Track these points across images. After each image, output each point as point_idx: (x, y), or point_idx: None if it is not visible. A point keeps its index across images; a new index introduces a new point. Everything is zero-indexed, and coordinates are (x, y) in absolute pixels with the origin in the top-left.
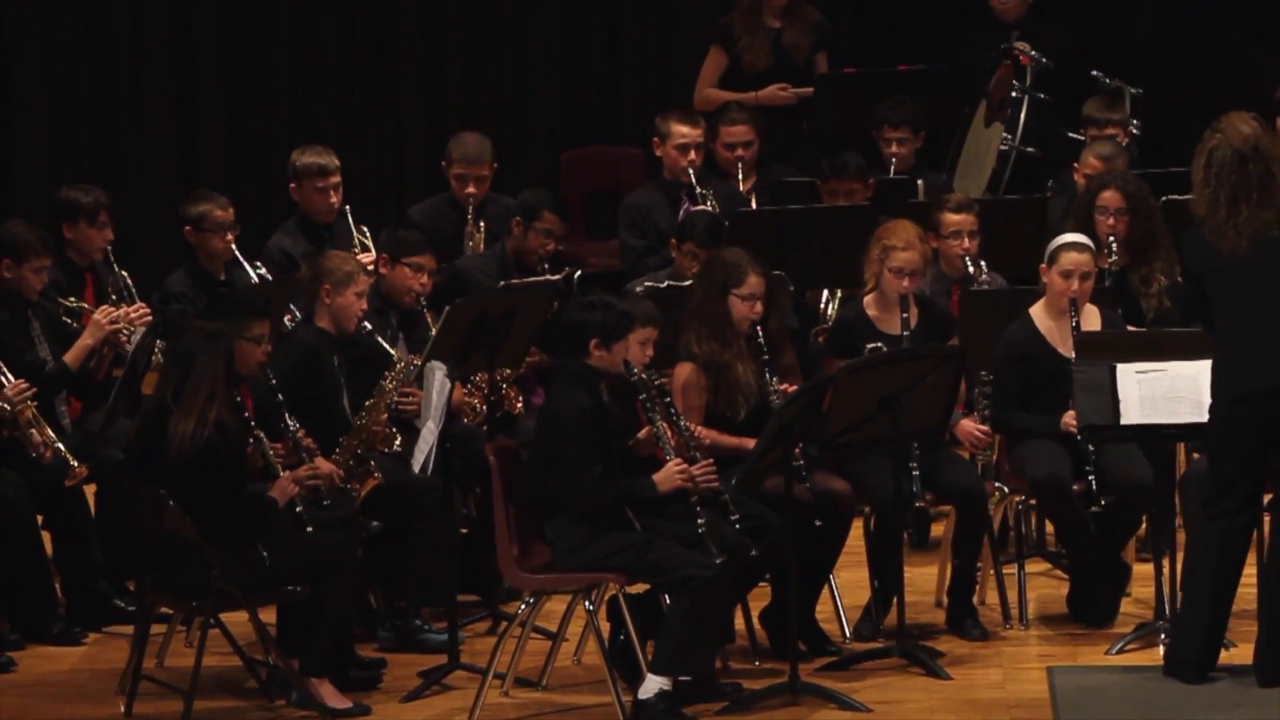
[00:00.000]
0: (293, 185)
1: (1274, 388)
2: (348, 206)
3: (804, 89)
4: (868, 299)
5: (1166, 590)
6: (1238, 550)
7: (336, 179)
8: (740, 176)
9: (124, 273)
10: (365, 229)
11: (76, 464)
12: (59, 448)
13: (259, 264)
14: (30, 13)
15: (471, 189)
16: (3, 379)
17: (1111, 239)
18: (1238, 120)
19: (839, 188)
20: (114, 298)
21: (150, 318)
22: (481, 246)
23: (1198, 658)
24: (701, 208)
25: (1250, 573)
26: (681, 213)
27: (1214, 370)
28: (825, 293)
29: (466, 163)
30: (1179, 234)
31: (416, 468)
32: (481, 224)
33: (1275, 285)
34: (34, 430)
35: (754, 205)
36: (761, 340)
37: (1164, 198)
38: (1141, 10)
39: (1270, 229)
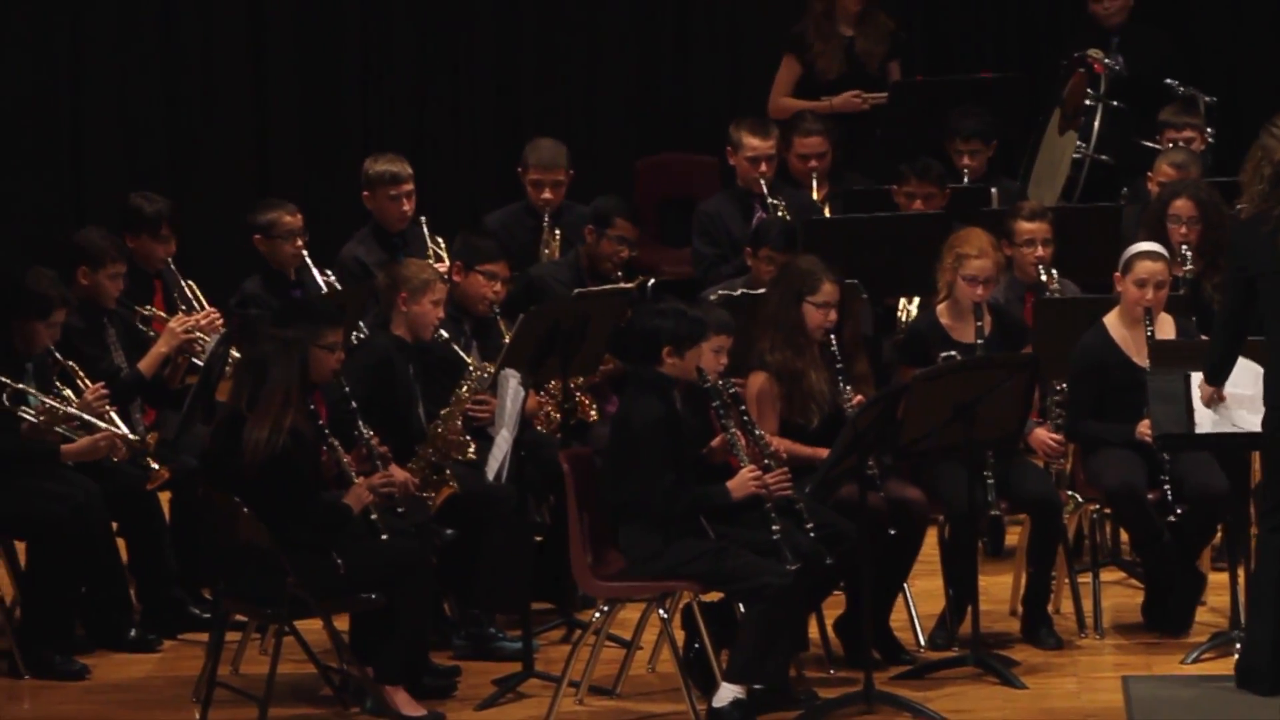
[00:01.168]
0: (365, 193)
1: None
2: (423, 218)
3: (878, 95)
4: (941, 307)
5: (1242, 599)
6: None
7: (409, 186)
8: (814, 186)
9: (190, 282)
10: (440, 240)
11: (157, 466)
12: (129, 439)
13: (328, 272)
14: (104, 21)
15: (547, 195)
16: (81, 385)
17: (1185, 247)
18: None
19: (918, 190)
20: (182, 307)
21: (222, 323)
22: (557, 254)
23: (1268, 668)
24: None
25: None
26: (755, 221)
27: (1267, 378)
28: (901, 300)
29: (542, 168)
30: None
31: (491, 475)
32: (557, 231)
33: None
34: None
35: (827, 214)
36: (835, 348)
37: (1238, 205)
38: (1216, 18)
39: None
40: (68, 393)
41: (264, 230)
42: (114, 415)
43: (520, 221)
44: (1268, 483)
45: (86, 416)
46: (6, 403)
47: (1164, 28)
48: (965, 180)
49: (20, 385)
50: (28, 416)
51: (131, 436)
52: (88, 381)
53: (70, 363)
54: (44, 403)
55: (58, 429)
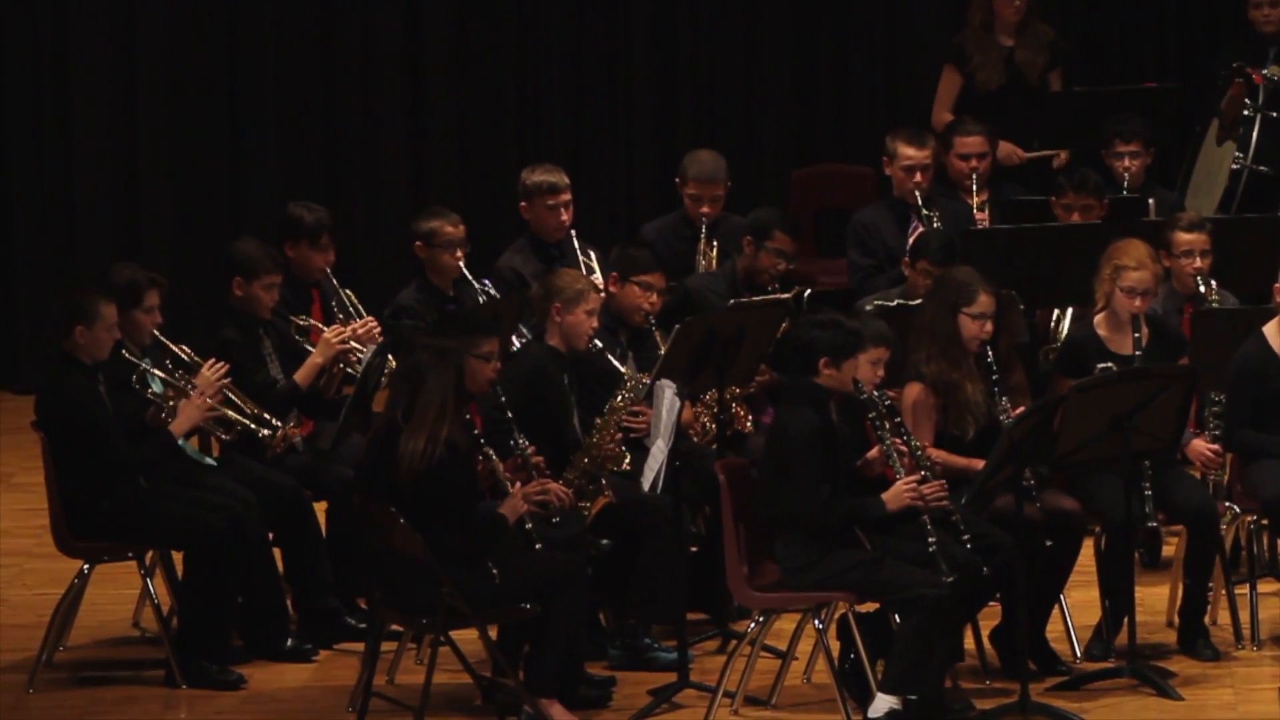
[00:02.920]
0: (523, 204)
1: None
2: (573, 230)
3: (1034, 154)
4: (1098, 318)
5: None
6: None
7: (567, 197)
8: (974, 189)
9: (348, 291)
10: (592, 253)
11: (277, 423)
12: (258, 414)
13: (486, 281)
14: (261, 31)
15: (705, 209)
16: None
17: None
18: None
19: (1076, 202)
20: (340, 316)
21: (378, 331)
22: (714, 265)
23: None
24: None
25: None
26: (911, 231)
27: None
28: (1055, 311)
29: (701, 182)
30: None
31: (646, 486)
32: (714, 242)
33: None
34: (227, 411)
35: (985, 220)
36: (991, 360)
37: None
38: None
39: None
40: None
41: (425, 238)
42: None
43: (677, 232)
44: None
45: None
46: (136, 385)
47: None
48: (1125, 187)
49: (144, 365)
50: (155, 397)
51: (235, 416)
52: (197, 358)
53: (182, 346)
54: (168, 382)
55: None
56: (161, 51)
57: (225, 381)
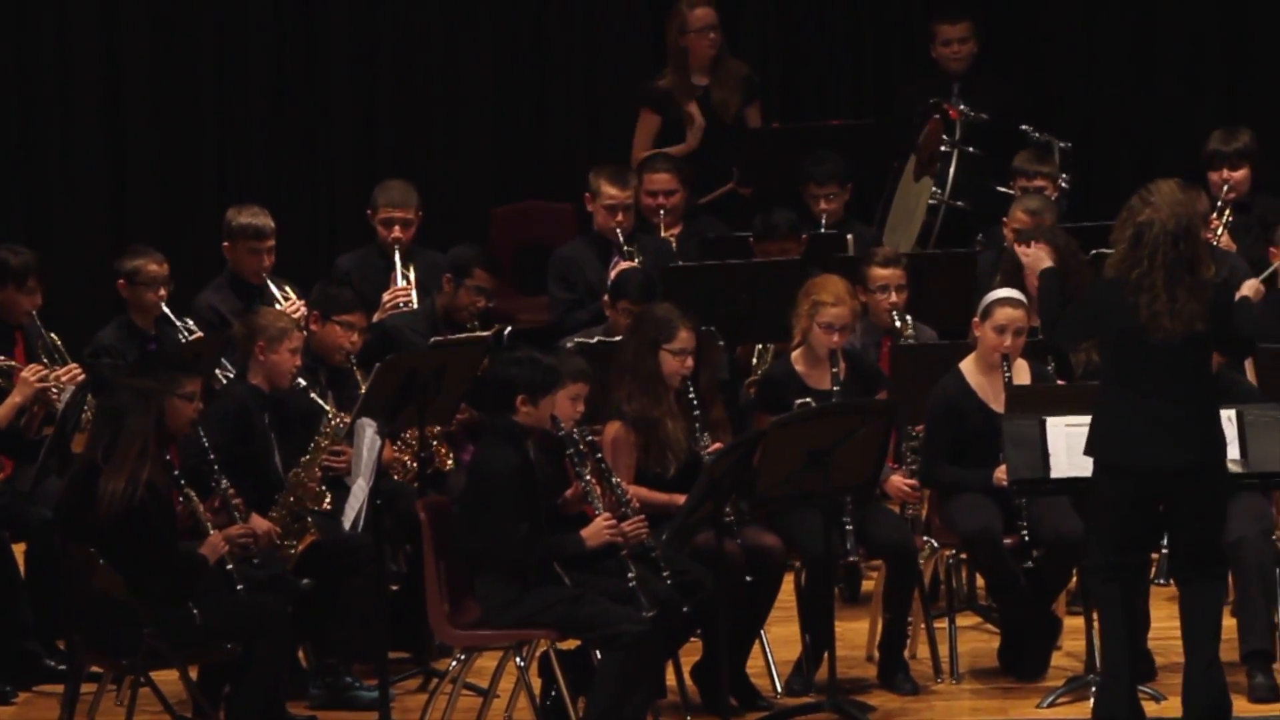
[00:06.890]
0: (226, 244)
1: (1156, 469)
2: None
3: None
4: (795, 354)
5: (1097, 644)
6: (1142, 603)
7: (271, 242)
8: (661, 225)
9: (53, 335)
10: (286, 286)
11: None
12: None
13: (188, 320)
14: None
15: (398, 233)
16: None
17: None
18: (1168, 191)
19: (772, 248)
20: (44, 360)
21: (81, 378)
22: (412, 293)
23: (1126, 715)
24: (633, 265)
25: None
26: (612, 268)
27: (1095, 429)
28: (757, 347)
29: (391, 206)
30: None
31: (347, 525)
32: (411, 268)
33: (1185, 376)
34: None
35: (674, 251)
36: (692, 395)
37: (1093, 251)
38: (1070, 63)
39: (1196, 322)
40: None
41: (128, 276)
42: None
43: (371, 263)
44: (1098, 533)
45: None
46: None
47: (1013, 74)
48: (823, 225)
49: None
50: None
51: None
52: None
53: None
54: None
55: None
56: None
57: None
